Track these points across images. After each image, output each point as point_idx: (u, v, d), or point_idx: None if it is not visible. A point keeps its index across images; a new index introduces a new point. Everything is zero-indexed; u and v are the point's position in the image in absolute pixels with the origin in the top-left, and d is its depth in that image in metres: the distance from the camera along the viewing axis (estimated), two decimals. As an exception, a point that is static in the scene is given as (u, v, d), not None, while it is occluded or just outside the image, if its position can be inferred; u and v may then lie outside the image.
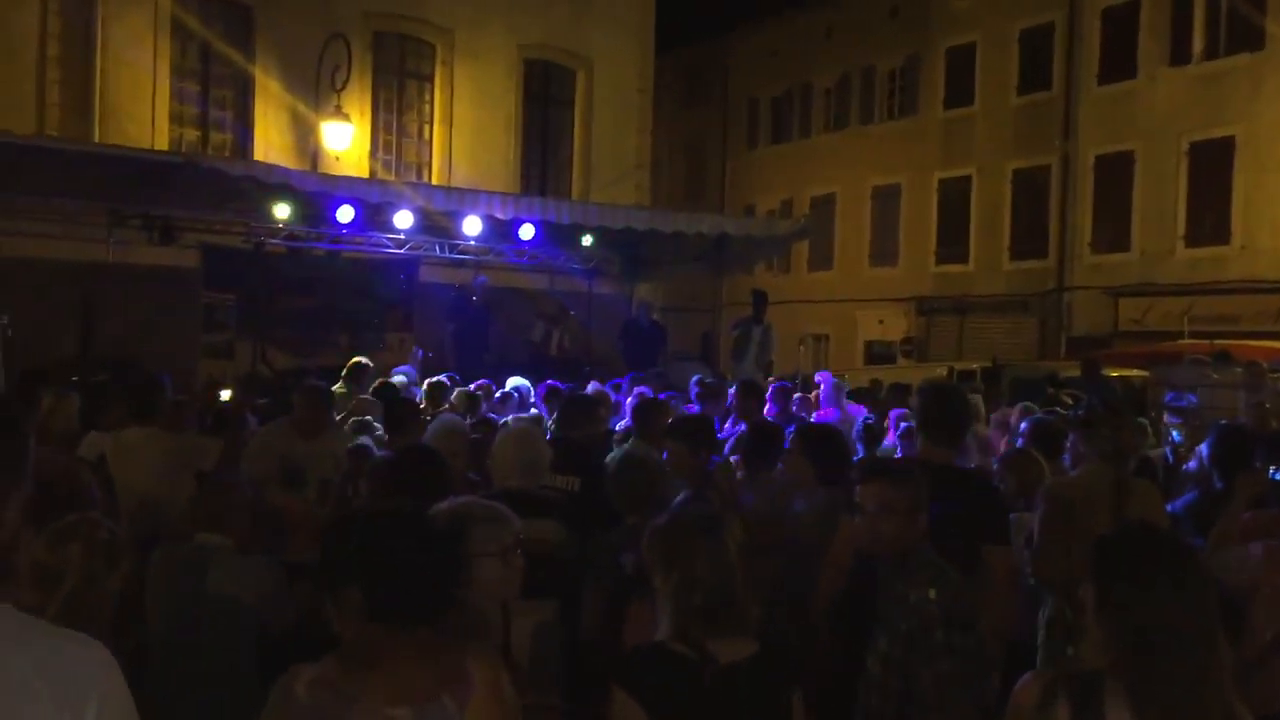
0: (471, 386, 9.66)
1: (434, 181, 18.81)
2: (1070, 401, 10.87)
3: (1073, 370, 14.42)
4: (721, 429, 7.79)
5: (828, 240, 27.82)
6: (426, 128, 19.93)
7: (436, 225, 13.71)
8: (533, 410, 9.10)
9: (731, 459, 6.17)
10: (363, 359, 10.29)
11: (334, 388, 9.47)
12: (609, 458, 4.99)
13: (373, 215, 12.93)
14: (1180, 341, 16.75)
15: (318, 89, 17.41)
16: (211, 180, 11.26)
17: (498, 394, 9.57)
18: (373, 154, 19.06)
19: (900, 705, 3.34)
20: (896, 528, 3.46)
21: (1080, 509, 4.50)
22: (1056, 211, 23.84)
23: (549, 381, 10.07)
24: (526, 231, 13.64)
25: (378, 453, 5.92)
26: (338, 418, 7.41)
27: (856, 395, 12.21)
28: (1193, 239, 21.30)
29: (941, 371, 16.71)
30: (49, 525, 3.19)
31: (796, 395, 9.57)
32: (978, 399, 9.32)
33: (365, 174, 17.85)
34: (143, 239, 12.95)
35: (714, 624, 2.74)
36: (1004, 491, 5.05)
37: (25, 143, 11.61)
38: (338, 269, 15.01)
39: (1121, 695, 2.21)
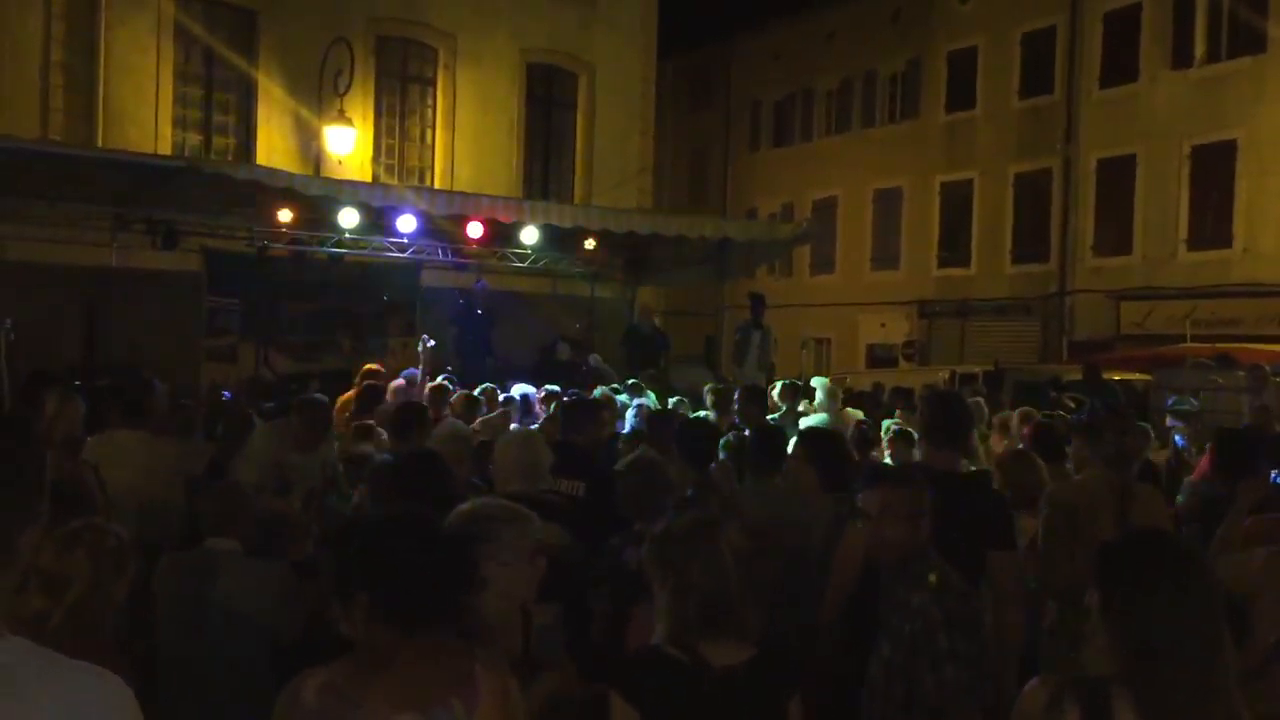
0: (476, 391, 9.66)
1: (436, 185, 18.83)
2: (1073, 405, 10.87)
3: (1075, 374, 14.42)
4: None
5: (829, 244, 27.81)
6: (429, 132, 19.96)
7: (439, 229, 13.73)
8: (540, 417, 9.06)
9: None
10: (374, 364, 10.28)
11: (344, 396, 9.53)
12: (619, 463, 4.99)
13: (375, 219, 12.96)
14: (1182, 345, 16.75)
15: (320, 93, 17.44)
16: (214, 184, 11.29)
17: (501, 398, 9.57)
18: (375, 158, 19.09)
19: (903, 710, 3.34)
20: (899, 533, 3.46)
21: (1083, 514, 4.51)
22: (1058, 215, 23.83)
23: (549, 386, 10.11)
24: (529, 235, 13.66)
25: (380, 458, 5.92)
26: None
27: (858, 399, 12.23)
28: (1195, 242, 21.29)
29: (943, 375, 16.70)
30: (54, 531, 3.18)
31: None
32: (979, 401, 9.33)
33: (368, 178, 17.88)
34: (146, 243, 12.99)
35: (710, 629, 2.76)
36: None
37: (29, 147, 11.64)
38: (340, 273, 15.02)
39: (1129, 701, 2.20)
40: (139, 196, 12.12)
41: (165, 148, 16.52)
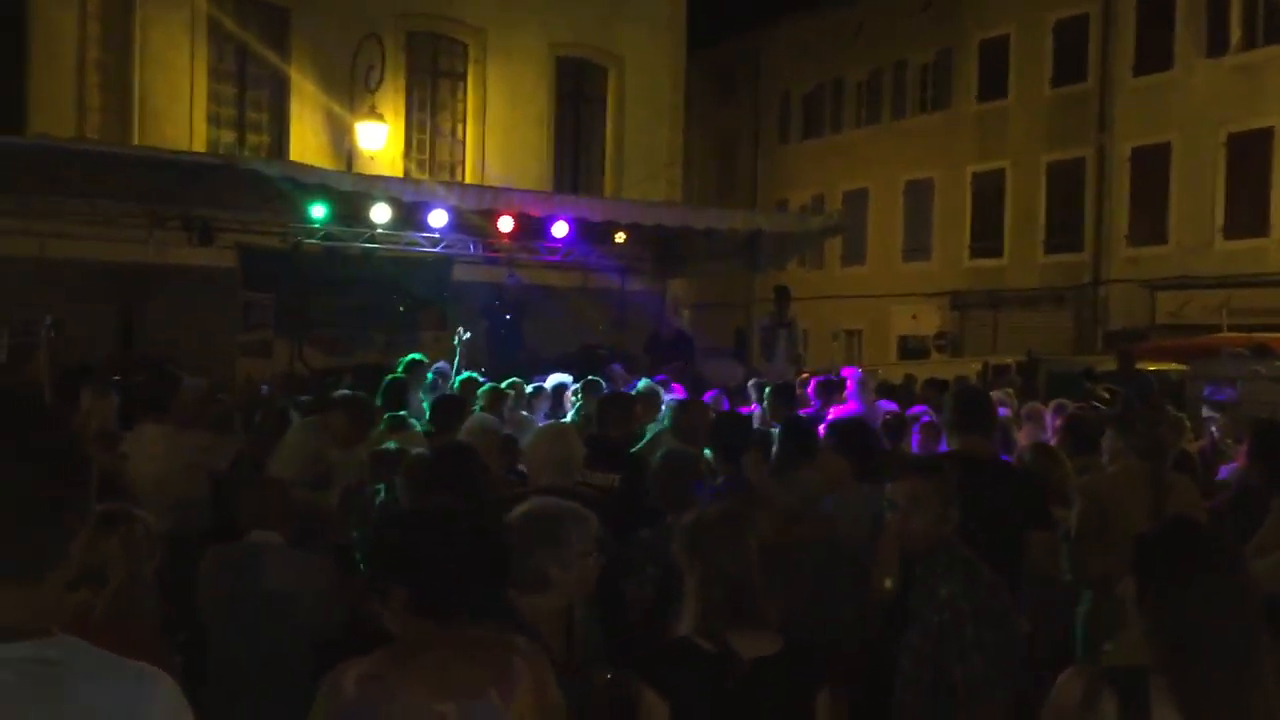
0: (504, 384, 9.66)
1: (467, 180, 18.91)
2: (1107, 396, 10.79)
3: (1109, 364, 14.29)
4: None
5: (860, 235, 27.67)
6: (460, 126, 20.04)
7: (470, 224, 13.80)
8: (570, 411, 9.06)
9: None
10: (419, 355, 10.26)
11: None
12: (655, 456, 5.01)
13: (407, 214, 13.04)
14: (1218, 335, 16.56)
15: (352, 89, 17.57)
16: (249, 181, 11.41)
17: (529, 389, 9.55)
18: (406, 153, 19.19)
19: (932, 699, 3.36)
20: (926, 523, 3.49)
21: (1117, 505, 4.50)
22: (1092, 204, 23.61)
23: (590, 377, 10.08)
24: (560, 229, 13.70)
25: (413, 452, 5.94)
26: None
27: (889, 390, 12.15)
28: (1231, 231, 21.04)
29: (976, 366, 16.62)
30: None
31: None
32: (1009, 392, 9.25)
33: (399, 173, 17.98)
34: (182, 240, 13.16)
35: (737, 619, 2.78)
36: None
37: (67, 146, 11.80)
38: (373, 268, 15.13)
39: (1166, 692, 2.19)
40: (175, 194, 12.28)
41: (200, 145, 16.70)
